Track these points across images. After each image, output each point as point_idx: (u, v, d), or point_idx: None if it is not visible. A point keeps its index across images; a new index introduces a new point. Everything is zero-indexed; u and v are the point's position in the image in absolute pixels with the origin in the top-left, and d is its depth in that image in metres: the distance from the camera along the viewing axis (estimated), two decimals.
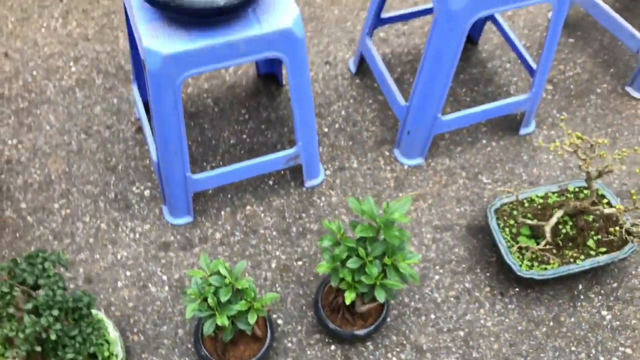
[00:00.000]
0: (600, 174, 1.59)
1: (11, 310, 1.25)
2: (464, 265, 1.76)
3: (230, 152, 1.93)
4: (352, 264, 1.44)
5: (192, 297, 1.40)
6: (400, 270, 1.46)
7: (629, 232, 1.64)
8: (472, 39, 2.26)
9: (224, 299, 1.38)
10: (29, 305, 1.27)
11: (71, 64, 2.12)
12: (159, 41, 1.35)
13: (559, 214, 1.67)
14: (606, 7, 2.13)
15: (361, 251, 1.45)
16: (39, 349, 1.25)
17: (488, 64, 2.21)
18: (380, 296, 1.45)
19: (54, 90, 2.06)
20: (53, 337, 1.25)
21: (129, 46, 1.78)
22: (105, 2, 2.30)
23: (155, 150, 1.68)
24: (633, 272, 1.77)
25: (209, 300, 1.39)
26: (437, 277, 1.74)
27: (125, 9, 1.59)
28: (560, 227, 1.71)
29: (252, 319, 1.41)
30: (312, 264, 1.74)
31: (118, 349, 1.48)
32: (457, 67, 2.16)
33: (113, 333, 1.50)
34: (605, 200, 1.77)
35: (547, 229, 1.64)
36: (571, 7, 2.32)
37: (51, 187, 1.85)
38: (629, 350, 1.65)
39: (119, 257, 1.73)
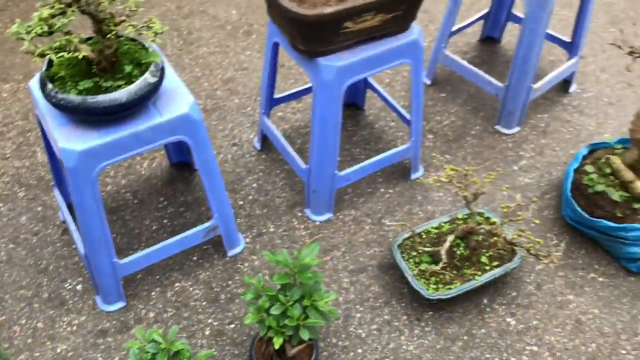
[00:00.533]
0: (475, 197, 1.85)
1: None
2: (381, 300, 1.95)
3: (154, 237, 2.08)
4: (275, 310, 1.60)
5: None
6: (319, 308, 1.63)
7: (511, 243, 1.90)
8: (359, 105, 2.55)
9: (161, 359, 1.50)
10: None
11: None
12: (73, 141, 1.53)
13: (451, 238, 1.90)
14: (466, 64, 2.49)
15: (282, 298, 1.62)
16: None
17: (375, 125, 2.50)
18: (305, 335, 1.60)
19: None
20: None
21: (46, 155, 1.94)
22: (19, 122, 2.47)
23: (82, 243, 1.81)
24: (527, 280, 2.01)
25: None
26: (358, 315, 1.91)
27: (38, 121, 1.77)
28: (455, 249, 1.94)
29: None
30: (244, 325, 1.88)
31: None
32: (349, 130, 2.45)
33: None
34: (492, 220, 2.02)
35: (443, 252, 1.86)
36: (438, 67, 2.68)
37: None
38: (535, 348, 1.85)
39: (58, 350, 1.80)
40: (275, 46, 2.02)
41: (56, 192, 2.02)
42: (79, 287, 1.96)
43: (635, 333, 1.88)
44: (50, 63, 1.57)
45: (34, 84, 1.67)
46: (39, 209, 2.17)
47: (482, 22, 2.85)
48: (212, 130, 2.45)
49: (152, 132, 1.60)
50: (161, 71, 1.59)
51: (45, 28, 1.40)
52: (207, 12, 3.04)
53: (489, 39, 2.90)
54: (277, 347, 1.60)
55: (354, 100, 2.54)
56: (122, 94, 1.50)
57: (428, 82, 2.67)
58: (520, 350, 1.84)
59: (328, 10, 1.63)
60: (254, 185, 2.26)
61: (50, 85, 1.51)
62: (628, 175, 2.01)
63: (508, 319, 1.91)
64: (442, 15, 2.52)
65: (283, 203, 2.21)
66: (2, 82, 2.64)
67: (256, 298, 1.65)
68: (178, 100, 1.64)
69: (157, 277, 1.99)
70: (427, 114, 2.54)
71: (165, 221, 2.14)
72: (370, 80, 2.40)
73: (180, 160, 2.31)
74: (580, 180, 2.09)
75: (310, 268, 1.64)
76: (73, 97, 1.48)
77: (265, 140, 2.39)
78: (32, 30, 1.41)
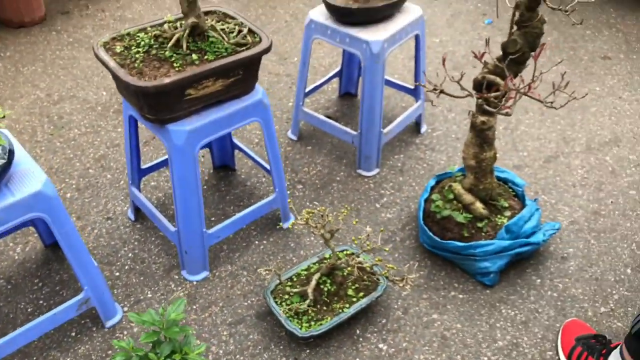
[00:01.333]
0: (332, 234, 2.00)
1: None
2: (260, 347, 2.03)
3: (29, 319, 2.07)
4: None
5: None
6: None
7: (370, 272, 2.05)
8: (230, 166, 2.69)
9: None
10: None
11: None
12: None
13: (316, 276, 2.04)
14: (322, 117, 2.70)
15: (152, 356, 1.67)
16: None
17: (247, 182, 2.64)
18: None
19: None
20: None
21: None
22: None
23: None
24: (395, 306, 2.15)
25: None
26: None
27: None
28: (322, 286, 2.06)
29: None
30: None
31: None
32: (222, 191, 2.57)
33: None
34: (349, 251, 2.17)
35: (309, 291, 1.99)
36: (302, 124, 2.88)
37: None
38: None
39: None
40: (132, 119, 2.14)
41: None
42: None
43: (494, 340, 2.06)
44: None
45: None
46: None
47: (338, 80, 3.10)
48: (86, 207, 2.49)
49: (5, 212, 1.65)
50: (9, 153, 1.66)
51: None
52: (76, 95, 3.12)
53: (347, 94, 3.15)
54: None
55: (225, 162, 2.68)
56: None
57: (294, 138, 2.86)
58: None
59: (167, 80, 1.77)
60: (130, 255, 2.31)
61: None
62: (468, 198, 2.24)
63: (380, 345, 2.04)
64: None
65: (160, 268, 2.27)
66: None
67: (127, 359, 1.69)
68: (31, 179, 1.71)
69: (34, 358, 1.97)
70: (295, 166, 2.71)
71: (41, 302, 2.14)
72: (236, 141, 2.55)
73: (53, 242, 2.33)
74: (429, 208, 2.30)
75: (178, 323, 1.71)
76: None
77: (139, 211, 2.46)
78: None
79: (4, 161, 1.63)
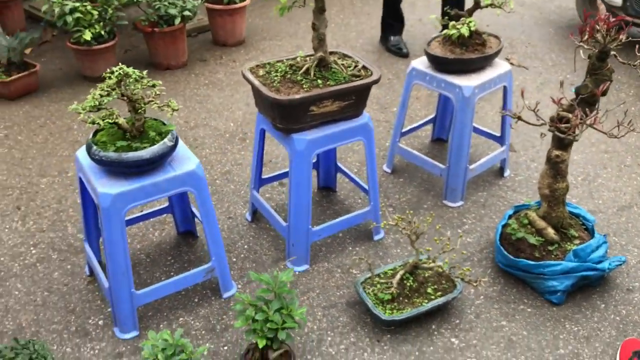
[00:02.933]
0: (417, 236, 2.36)
1: None
2: (348, 327, 2.37)
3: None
4: (259, 316, 2.05)
5: (145, 357, 1.93)
6: (294, 317, 2.08)
7: (447, 275, 2.37)
8: (332, 188, 3.13)
9: (169, 352, 1.92)
10: None
11: (31, 249, 2.75)
12: (108, 187, 2.08)
13: (401, 271, 2.39)
14: (415, 151, 3.11)
15: (264, 308, 2.07)
16: None
17: (345, 202, 3.06)
18: (282, 336, 2.04)
19: (19, 267, 2.65)
20: None
21: (82, 214, 2.46)
22: (54, 205, 3.02)
23: (105, 280, 2.28)
24: (468, 311, 2.45)
25: (159, 357, 1.92)
26: (329, 338, 2.33)
27: (80, 182, 2.32)
28: (405, 282, 2.40)
29: None
30: (235, 347, 2.29)
31: None
32: (324, 206, 3.00)
33: None
34: (432, 258, 2.50)
35: (394, 282, 2.34)
36: (396, 159, 3.30)
37: (22, 332, 2.35)
38: (474, 359, 2.25)
39: None
40: (262, 132, 2.64)
41: (86, 246, 2.52)
42: (100, 322, 2.39)
43: (557, 347, 2.30)
44: (95, 134, 2.16)
45: (80, 152, 2.25)
46: (69, 267, 2.65)
47: (432, 125, 3.52)
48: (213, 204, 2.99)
49: (167, 183, 2.15)
50: (176, 139, 2.18)
51: (96, 103, 2.02)
52: (209, 124, 3.72)
53: (439, 140, 3.55)
54: (261, 346, 2.03)
55: (327, 184, 3.12)
56: (147, 152, 2.08)
57: (389, 170, 3.28)
58: None
59: (297, 96, 2.26)
60: (245, 246, 2.77)
61: (94, 147, 2.09)
62: (541, 224, 2.53)
63: (452, 339, 2.33)
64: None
65: (269, 259, 2.70)
66: (40, 177, 3.23)
67: (245, 310, 2.10)
68: (187, 161, 2.22)
69: (165, 314, 2.43)
70: (388, 193, 3.11)
71: (172, 273, 2.61)
72: (340, 165, 3.00)
73: (186, 230, 2.83)
74: (506, 231, 2.61)
75: (287, 285, 2.11)
76: (111, 154, 2.06)
77: (255, 214, 2.93)
78: (86, 106, 2.03)
79: (172, 143, 2.15)
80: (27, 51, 4.49)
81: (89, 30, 3.92)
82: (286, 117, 2.34)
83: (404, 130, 3.24)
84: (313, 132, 2.40)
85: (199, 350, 1.98)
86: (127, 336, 2.32)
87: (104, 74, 2.09)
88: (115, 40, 4.15)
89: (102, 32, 4.00)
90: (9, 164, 3.35)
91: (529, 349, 2.29)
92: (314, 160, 2.99)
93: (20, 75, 3.93)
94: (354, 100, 2.41)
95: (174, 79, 4.26)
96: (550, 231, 2.51)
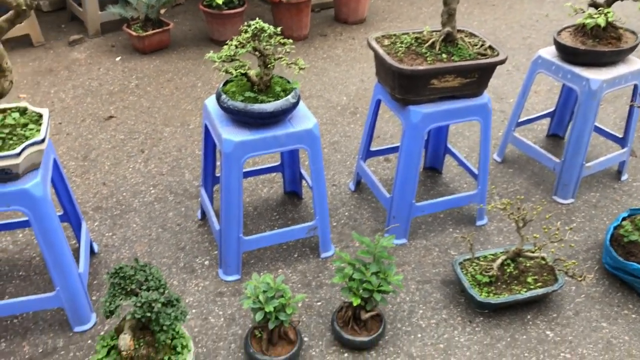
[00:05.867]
0: (525, 223, 2.32)
1: (134, 286, 1.89)
2: (440, 304, 2.38)
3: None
4: (357, 275, 2.11)
5: (247, 295, 2.04)
6: (389, 281, 2.12)
7: (551, 265, 2.32)
8: (438, 170, 3.12)
9: (270, 295, 2.02)
10: (144, 287, 1.91)
11: (151, 189, 2.96)
12: (232, 135, 2.20)
13: (503, 257, 2.36)
14: (529, 142, 3.04)
15: (362, 269, 2.13)
16: (149, 314, 1.86)
17: (450, 185, 3.04)
18: (378, 298, 2.09)
19: (138, 204, 2.86)
20: (158, 307, 1.87)
21: (202, 161, 2.62)
22: (174, 153, 3.23)
23: (217, 222, 2.42)
24: (567, 307, 2.38)
25: (260, 297, 2.03)
26: (421, 311, 2.35)
27: (205, 129, 2.47)
28: (506, 268, 2.37)
29: (289, 310, 2.03)
30: (328, 304, 2.36)
31: (191, 344, 2.06)
32: (427, 186, 3.00)
33: (187, 334, 2.09)
34: (537, 246, 2.45)
35: (494, 266, 2.32)
36: (508, 149, 3.24)
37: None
38: (568, 356, 2.20)
39: (187, 301, 2.36)
40: (378, 102, 2.68)
41: (202, 191, 2.68)
42: (206, 262, 2.54)
43: None
44: (225, 84, 2.29)
45: (209, 101, 2.39)
46: (183, 209, 2.83)
47: (549, 120, 3.41)
48: None
49: (286, 138, 2.25)
50: (298, 97, 2.27)
51: (231, 53, 2.14)
52: (323, 96, 3.81)
53: (554, 136, 3.44)
54: (355, 304, 2.09)
55: (434, 164, 3.12)
56: (271, 106, 2.18)
57: (499, 160, 3.22)
58: (555, 356, 2.19)
59: (420, 67, 2.28)
60: (346, 213, 2.83)
61: (223, 96, 2.22)
62: None
63: (547, 332, 2.28)
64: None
65: (367, 228, 2.75)
66: (164, 126, 3.46)
67: (343, 268, 2.16)
68: (306, 120, 2.30)
69: (266, 264, 2.54)
70: (496, 182, 3.06)
71: (275, 228, 2.72)
72: (450, 146, 2.99)
73: (292, 190, 2.93)
74: (618, 233, 2.50)
75: (386, 250, 2.16)
76: (238, 103, 2.18)
77: (358, 185, 2.98)
78: (221, 55, 2.15)
79: (295, 100, 2.24)
80: (162, 11, 4.78)
81: None
82: (406, 87, 2.36)
83: (520, 120, 3.16)
84: (430, 106, 2.41)
85: (297, 297, 2.07)
86: (230, 278, 2.46)
87: (241, 27, 2.21)
88: (245, 7, 4.33)
89: None
90: (138, 111, 3.61)
91: (630, 355, 2.20)
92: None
93: (155, 31, 4.20)
94: (477, 78, 2.40)
95: (294, 50, 4.38)
96: None
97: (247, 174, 2.85)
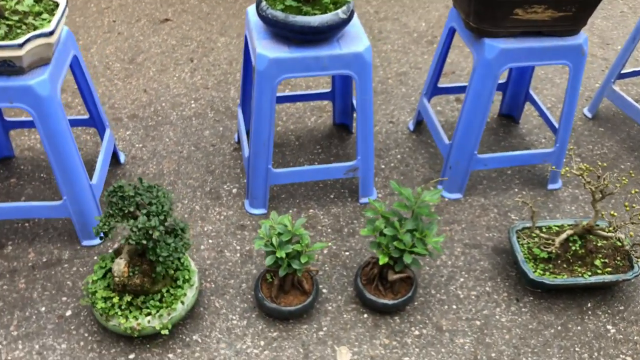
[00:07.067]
0: (603, 195, 1.92)
1: (132, 209, 1.69)
2: (486, 274, 2.06)
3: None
4: (388, 231, 1.81)
5: (260, 235, 1.80)
6: (426, 243, 1.81)
7: (626, 250, 1.92)
8: (515, 119, 2.70)
9: (284, 239, 1.78)
10: (144, 211, 1.71)
11: (192, 102, 2.74)
12: (268, 50, 1.90)
13: (569, 231, 1.98)
14: (631, 100, 2.55)
15: (396, 223, 1.82)
16: (145, 242, 1.67)
17: (526, 137, 2.63)
18: (408, 260, 1.79)
19: (176, 117, 2.65)
20: (157, 235, 1.67)
21: (242, 76, 2.35)
22: (224, 66, 2.97)
23: (247, 149, 2.17)
24: (639, 300, 1.99)
25: (273, 240, 1.78)
26: (462, 279, 2.04)
27: (245, 43, 2.19)
28: (571, 245, 2.00)
29: (304, 259, 1.78)
30: (357, 256, 2.10)
31: (195, 278, 1.87)
32: (500, 136, 2.61)
33: (194, 267, 1.90)
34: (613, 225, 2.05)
35: (557, 240, 1.95)
36: (602, 104, 2.75)
37: (162, 178, 2.36)
38: (629, 359, 1.84)
39: (205, 229, 2.16)
40: (452, 31, 2.28)
41: (239, 112, 2.43)
42: (234, 190, 2.32)
43: None
44: None
45: (251, 8, 2.09)
46: (221, 129, 2.60)
47: None
48: (375, 108, 2.75)
49: (330, 60, 1.92)
50: (351, 13, 1.92)
51: None
52: (399, 20, 3.40)
53: None
54: (381, 263, 1.81)
55: (511, 112, 2.70)
56: (316, 19, 1.85)
57: (589, 115, 2.75)
58: (613, 356, 1.84)
59: None
60: (398, 156, 2.50)
61: (263, 3, 1.91)
62: None
63: (608, 327, 1.92)
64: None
65: (420, 176, 2.42)
66: (220, 35, 3.20)
67: (375, 219, 1.87)
68: (357, 42, 1.96)
69: (297, 201, 2.29)
70: (581, 141, 2.61)
71: (316, 163, 2.45)
72: (532, 93, 2.55)
73: (342, 122, 2.62)
74: None
75: (429, 207, 1.83)
76: (278, 13, 1.86)
77: (419, 125, 2.63)
78: None
79: (345, 16, 1.89)
80: None
81: None
82: (483, 15, 1.95)
83: (624, 71, 2.65)
84: (510, 42, 1.99)
85: (315, 246, 1.81)
86: (255, 211, 2.23)
87: None
88: None
89: None
90: (195, 17, 3.35)
91: None
92: (502, 80, 2.57)
93: None
94: (574, 12, 1.94)
95: None
96: None
97: (295, 98, 2.57)
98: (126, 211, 1.71)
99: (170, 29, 3.23)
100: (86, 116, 2.29)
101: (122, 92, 2.78)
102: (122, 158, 2.41)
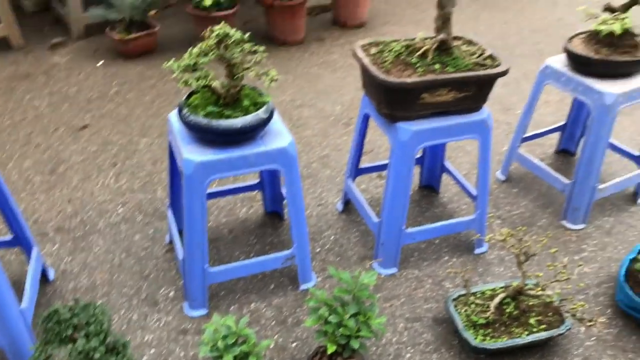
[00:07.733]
0: (527, 257, 2.04)
1: (70, 332, 1.64)
2: (431, 347, 2.11)
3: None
4: (333, 319, 1.84)
5: (205, 342, 1.78)
6: (371, 325, 1.85)
7: (556, 307, 2.03)
8: (435, 189, 2.84)
9: (230, 341, 1.76)
10: (82, 333, 1.66)
11: (119, 207, 2.71)
12: (193, 154, 1.95)
13: (502, 294, 2.08)
14: (536, 160, 2.75)
15: (340, 310, 1.86)
16: None
17: (448, 205, 2.76)
18: (355, 345, 1.82)
19: (103, 224, 2.61)
20: (97, 356, 1.62)
21: (168, 178, 2.37)
22: (149, 166, 2.98)
23: (181, 250, 2.17)
24: (575, 352, 2.09)
25: (219, 344, 1.76)
26: (408, 355, 2.08)
27: (169, 147, 2.22)
28: (505, 307, 2.09)
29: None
30: (305, 345, 2.10)
31: None
32: (423, 207, 2.73)
33: None
34: (541, 284, 2.16)
35: (492, 305, 2.04)
36: (513, 167, 2.95)
37: (95, 290, 2.30)
38: None
39: (146, 339, 2.11)
40: (366, 117, 2.41)
41: (169, 213, 2.43)
42: (171, 293, 2.29)
43: None
44: (189, 96, 2.04)
45: (173, 115, 2.14)
46: (151, 231, 2.58)
47: (559, 134, 3.12)
48: (304, 192, 2.80)
49: (256, 157, 1.98)
50: (271, 112, 2.01)
51: (192, 62, 1.88)
52: (316, 105, 3.55)
53: (565, 152, 3.15)
54: (330, 352, 1.82)
55: (430, 183, 2.85)
56: (238, 122, 1.92)
57: (503, 178, 2.94)
58: None
59: (409, 80, 2.01)
60: (332, 237, 2.56)
61: (185, 110, 1.97)
62: None
63: None
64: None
65: (354, 255, 2.48)
66: (141, 136, 3.21)
67: (318, 308, 1.90)
68: (280, 137, 2.04)
69: (238, 296, 2.28)
70: (498, 203, 2.78)
71: (252, 255, 2.46)
72: (447, 164, 2.71)
73: (274, 210, 2.67)
74: (633, 267, 2.21)
75: (368, 288, 1.88)
76: (200, 119, 1.92)
77: (347, 205, 2.72)
78: (181, 64, 1.90)
79: (266, 116, 1.97)
80: (153, 12, 4.54)
81: None
82: (393, 102, 2.09)
83: (526, 135, 2.88)
84: (421, 123, 2.13)
85: (262, 344, 1.80)
86: (195, 313, 2.20)
87: (203, 32, 1.95)
88: (235, 9, 4.08)
89: (221, 0, 3.95)
90: (115, 120, 3.37)
91: None
92: (419, 155, 2.72)
93: (139, 34, 3.96)
94: (474, 92, 2.12)
95: (288, 56, 4.13)
96: None
97: (224, 193, 2.60)
98: (63, 335, 1.65)
99: (90, 135, 3.22)
100: (9, 237, 2.22)
101: (46, 205, 2.72)
102: (51, 274, 2.33)
